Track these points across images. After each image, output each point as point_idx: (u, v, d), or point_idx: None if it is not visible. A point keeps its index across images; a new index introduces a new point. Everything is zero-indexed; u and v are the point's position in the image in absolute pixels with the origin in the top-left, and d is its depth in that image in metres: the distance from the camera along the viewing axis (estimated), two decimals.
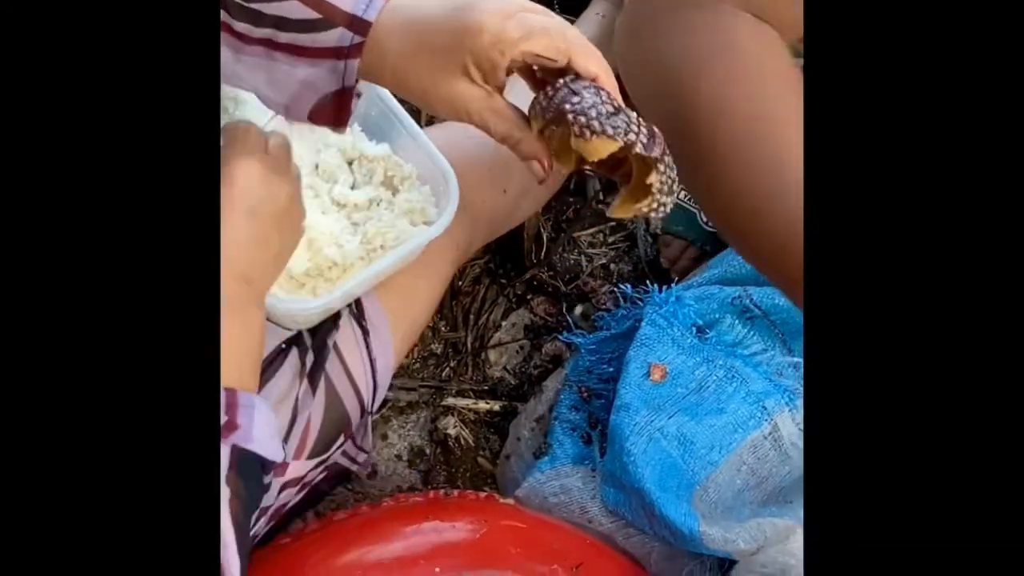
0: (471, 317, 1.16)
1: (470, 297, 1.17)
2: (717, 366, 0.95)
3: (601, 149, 0.60)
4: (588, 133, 0.60)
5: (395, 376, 0.99)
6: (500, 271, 1.18)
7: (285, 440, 0.82)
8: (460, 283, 1.16)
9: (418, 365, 1.13)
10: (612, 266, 1.18)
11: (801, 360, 0.97)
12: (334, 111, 0.67)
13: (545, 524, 0.91)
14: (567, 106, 0.60)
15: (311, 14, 0.63)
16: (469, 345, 1.15)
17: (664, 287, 1.01)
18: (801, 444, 0.91)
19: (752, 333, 0.97)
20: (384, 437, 1.08)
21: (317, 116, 0.67)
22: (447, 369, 1.13)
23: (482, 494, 0.95)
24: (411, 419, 1.10)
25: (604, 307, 1.12)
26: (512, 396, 1.11)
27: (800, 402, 0.94)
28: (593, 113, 0.60)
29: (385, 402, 1.06)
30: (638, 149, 0.60)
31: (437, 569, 0.81)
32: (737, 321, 0.97)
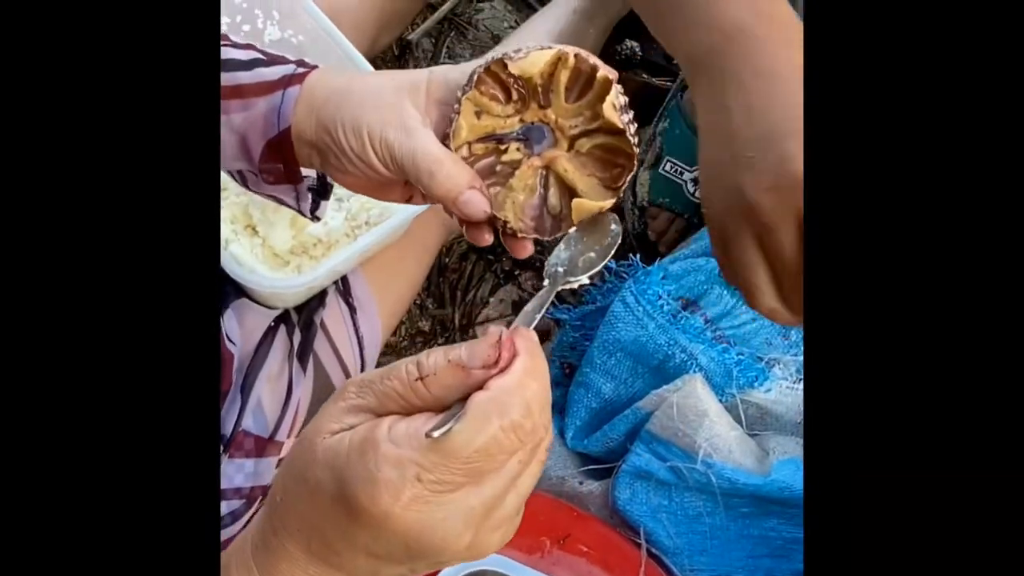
0: (458, 294, 1.15)
1: (457, 274, 1.16)
2: (678, 350, 0.93)
3: (536, 59, 0.53)
4: (519, 53, 0.53)
5: (383, 355, 0.99)
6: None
7: (280, 419, 0.82)
8: (447, 260, 1.16)
9: (406, 343, 1.12)
10: None
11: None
12: (281, 160, 0.57)
13: (532, 498, 0.91)
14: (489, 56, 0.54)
15: (253, 54, 0.59)
16: (457, 322, 1.14)
17: (652, 260, 1.01)
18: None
19: (741, 303, 0.97)
20: None
21: (267, 173, 0.58)
22: (435, 347, 1.12)
23: None
24: None
25: (592, 282, 1.12)
26: None
27: (756, 391, 0.93)
28: (511, 50, 0.54)
29: None
30: (576, 55, 0.53)
31: None
32: (725, 292, 0.97)
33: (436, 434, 0.39)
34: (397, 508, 0.39)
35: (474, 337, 1.13)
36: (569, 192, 0.56)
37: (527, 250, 0.56)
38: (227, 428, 0.78)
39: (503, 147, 0.55)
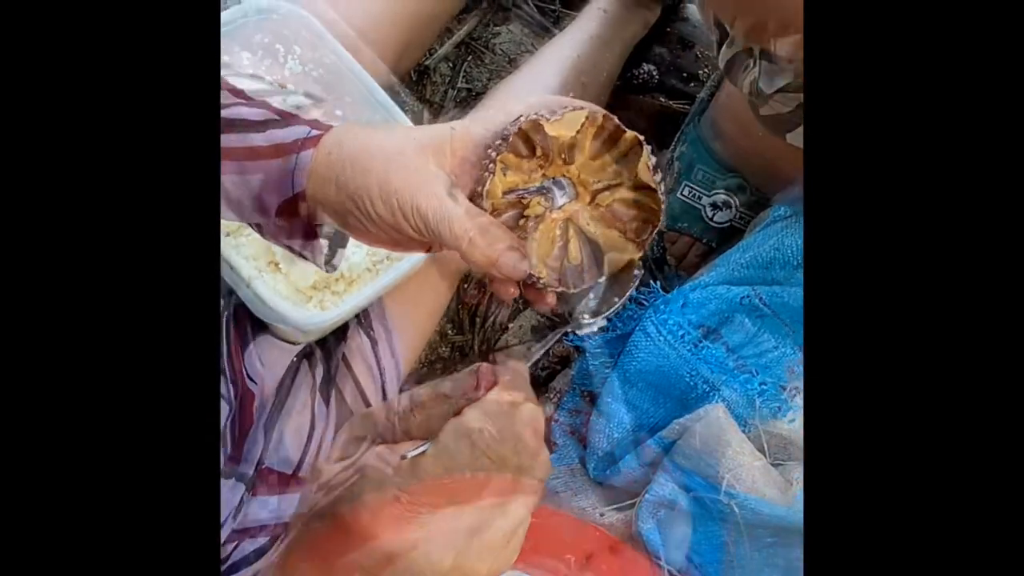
0: (477, 320, 1.15)
1: (476, 300, 1.16)
2: (700, 380, 0.93)
3: (572, 121, 0.53)
4: (552, 113, 0.52)
5: (402, 381, 0.98)
6: None
7: (303, 455, 0.82)
8: (466, 286, 1.16)
9: (425, 370, 1.12)
10: None
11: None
12: (295, 220, 0.57)
13: (556, 517, 0.91)
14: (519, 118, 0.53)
15: (267, 115, 0.58)
16: (476, 348, 1.14)
17: (672, 283, 1.00)
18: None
19: (763, 331, 0.97)
20: None
21: (281, 229, 0.59)
22: (454, 373, 1.12)
23: None
24: None
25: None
26: None
27: (779, 421, 0.93)
28: (544, 111, 0.53)
29: None
30: (605, 116, 0.53)
31: None
32: (747, 320, 0.97)
33: (409, 455, 0.42)
34: (377, 527, 0.41)
35: (493, 364, 1.13)
36: (590, 244, 0.56)
37: (550, 303, 0.56)
38: (250, 466, 0.78)
39: (525, 201, 0.55)
